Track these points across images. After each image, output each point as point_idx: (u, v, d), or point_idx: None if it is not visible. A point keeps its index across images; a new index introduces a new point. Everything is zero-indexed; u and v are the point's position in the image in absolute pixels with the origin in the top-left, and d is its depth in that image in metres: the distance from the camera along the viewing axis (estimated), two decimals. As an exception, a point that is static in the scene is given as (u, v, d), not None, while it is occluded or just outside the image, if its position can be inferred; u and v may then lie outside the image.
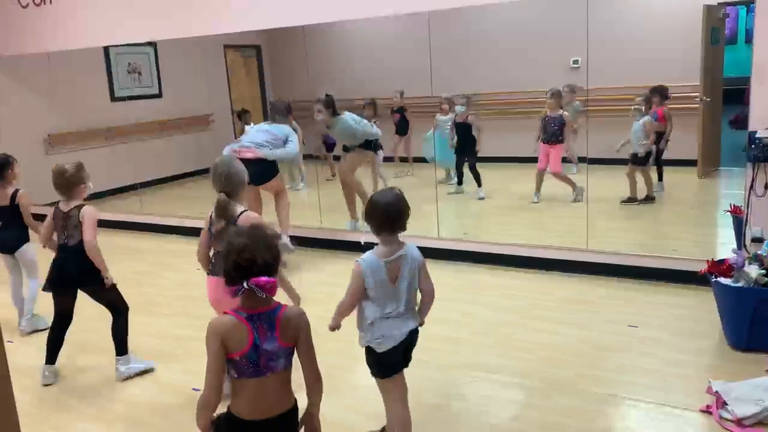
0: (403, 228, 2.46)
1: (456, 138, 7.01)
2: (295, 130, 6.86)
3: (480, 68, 8.14)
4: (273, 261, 1.96)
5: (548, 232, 5.77)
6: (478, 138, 6.92)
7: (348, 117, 5.74)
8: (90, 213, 3.48)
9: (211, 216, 3.08)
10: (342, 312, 2.52)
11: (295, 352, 2.03)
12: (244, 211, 3.07)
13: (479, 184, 6.93)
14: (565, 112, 6.47)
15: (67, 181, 3.47)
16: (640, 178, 6.22)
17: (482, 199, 6.89)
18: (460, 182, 7.21)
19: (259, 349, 1.93)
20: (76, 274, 3.46)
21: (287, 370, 2.01)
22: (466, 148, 6.98)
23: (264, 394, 1.97)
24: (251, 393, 1.96)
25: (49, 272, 3.53)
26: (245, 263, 1.91)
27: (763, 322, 3.33)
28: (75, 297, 3.58)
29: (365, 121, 6.00)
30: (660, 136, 6.31)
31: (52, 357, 3.61)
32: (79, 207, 3.49)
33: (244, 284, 1.90)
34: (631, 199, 6.27)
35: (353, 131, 5.78)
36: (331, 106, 5.65)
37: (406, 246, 2.48)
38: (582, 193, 6.15)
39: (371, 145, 6.01)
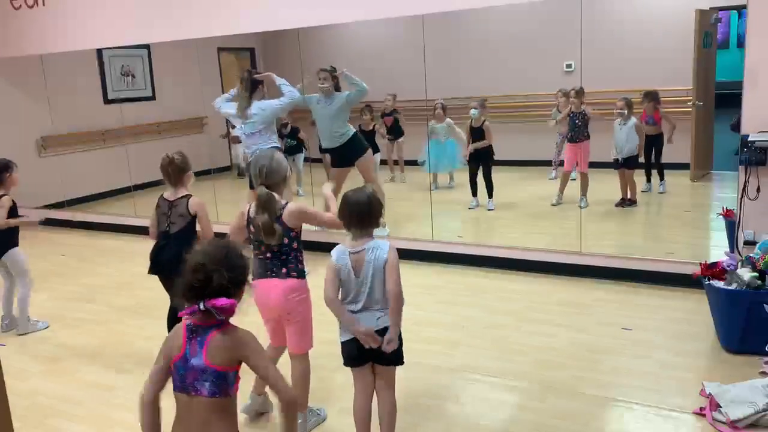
0: (375, 225, 2.53)
1: (471, 145, 6.63)
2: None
3: (474, 72, 8.15)
4: (231, 284, 1.84)
5: (543, 235, 5.78)
6: (480, 146, 6.55)
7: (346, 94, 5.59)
8: (201, 206, 3.50)
9: (248, 210, 2.83)
10: (327, 298, 2.52)
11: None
12: (287, 203, 2.81)
13: (490, 195, 6.65)
14: (589, 108, 6.31)
15: (177, 168, 3.51)
16: (630, 180, 6.26)
17: (492, 210, 6.62)
18: (475, 193, 6.76)
19: (188, 363, 1.84)
20: (172, 259, 3.39)
21: (218, 401, 1.84)
22: (480, 156, 6.62)
23: (189, 418, 1.86)
24: (180, 410, 1.89)
25: (150, 257, 3.57)
26: (198, 284, 1.81)
27: (755, 325, 3.35)
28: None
29: None
30: (654, 139, 6.35)
31: None
32: (187, 197, 3.51)
33: (200, 305, 1.80)
34: (624, 200, 6.30)
35: (351, 102, 5.57)
36: (336, 78, 5.51)
37: (375, 241, 2.51)
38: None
39: (363, 147, 5.86)
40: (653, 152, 6.43)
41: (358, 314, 2.49)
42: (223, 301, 1.80)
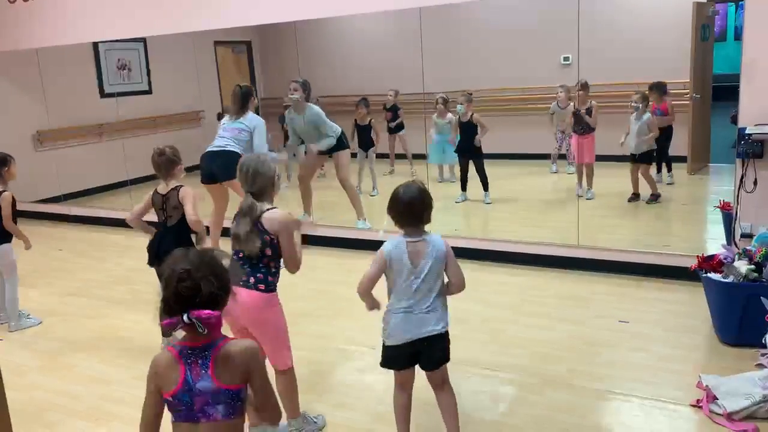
0: (428, 221, 2.51)
1: (458, 140, 6.61)
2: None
3: (471, 65, 8.13)
4: (220, 291, 1.70)
5: (540, 228, 5.79)
6: (481, 136, 6.44)
7: (318, 108, 5.65)
8: (188, 192, 3.57)
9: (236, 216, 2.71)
10: (362, 290, 2.49)
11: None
12: (270, 209, 2.63)
13: (486, 189, 6.59)
14: (594, 102, 6.24)
15: (168, 160, 3.59)
16: (646, 176, 6.14)
17: (489, 204, 6.58)
18: (464, 188, 6.70)
19: (193, 390, 1.68)
20: (170, 250, 3.44)
21: (232, 422, 1.71)
22: (470, 150, 6.54)
23: None
24: None
25: (148, 248, 3.64)
26: (186, 292, 1.66)
27: (752, 318, 3.35)
28: None
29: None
30: (666, 131, 6.27)
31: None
32: (177, 188, 3.58)
33: (184, 317, 1.65)
34: (636, 196, 6.21)
35: (321, 121, 5.59)
36: (307, 89, 5.55)
37: (431, 234, 2.51)
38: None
39: (343, 144, 5.82)
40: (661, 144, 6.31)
41: (404, 314, 2.44)
42: (207, 313, 1.65)
